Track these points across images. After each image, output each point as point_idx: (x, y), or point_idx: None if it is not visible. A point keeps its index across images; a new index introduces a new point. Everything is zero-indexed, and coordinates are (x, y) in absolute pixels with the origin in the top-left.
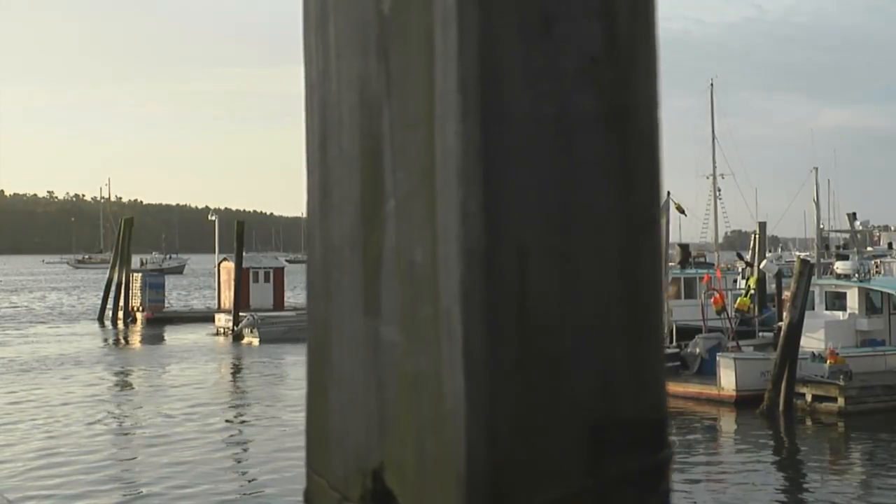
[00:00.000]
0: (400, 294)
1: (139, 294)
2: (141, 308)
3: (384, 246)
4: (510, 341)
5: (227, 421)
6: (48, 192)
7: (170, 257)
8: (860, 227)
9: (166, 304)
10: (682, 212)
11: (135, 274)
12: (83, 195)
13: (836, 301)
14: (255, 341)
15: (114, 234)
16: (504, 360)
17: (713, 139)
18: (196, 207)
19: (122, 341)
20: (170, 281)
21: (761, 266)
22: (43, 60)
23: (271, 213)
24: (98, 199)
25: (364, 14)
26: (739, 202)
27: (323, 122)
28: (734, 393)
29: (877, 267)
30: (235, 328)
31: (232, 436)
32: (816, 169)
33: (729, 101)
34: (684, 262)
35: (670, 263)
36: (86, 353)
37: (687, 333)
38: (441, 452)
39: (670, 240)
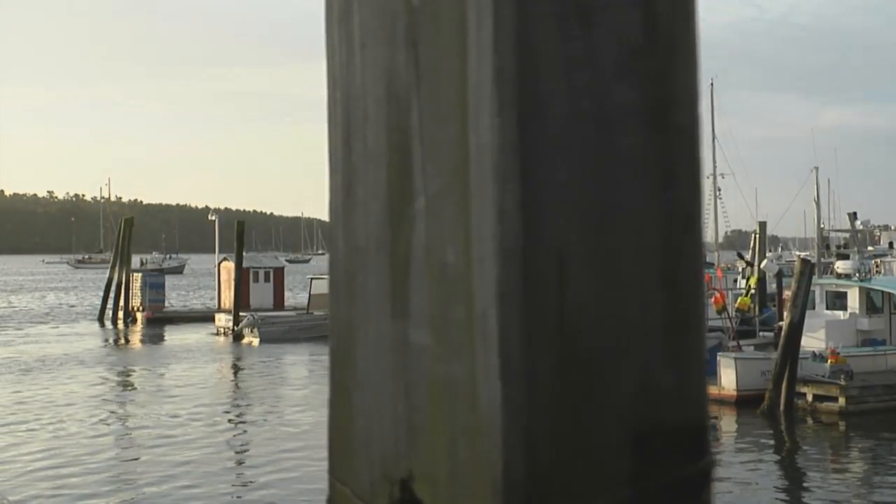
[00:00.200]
0: (430, 295)
1: (139, 294)
2: (141, 308)
3: (413, 245)
4: (549, 345)
5: (228, 421)
6: (48, 191)
7: (170, 257)
8: (861, 227)
9: (166, 304)
10: None
11: (135, 274)
12: (83, 195)
13: (837, 301)
14: (256, 341)
15: (114, 234)
16: (542, 364)
17: (713, 139)
18: (196, 207)
19: (123, 341)
20: (170, 281)
21: (762, 266)
22: (43, 60)
23: (271, 213)
24: (98, 198)
25: (391, 3)
26: (740, 202)
27: (346, 117)
28: (735, 393)
29: (877, 266)
30: (235, 328)
31: (233, 436)
32: (817, 168)
33: (729, 100)
34: None
35: None
36: (86, 352)
37: None
38: (476, 461)
39: None
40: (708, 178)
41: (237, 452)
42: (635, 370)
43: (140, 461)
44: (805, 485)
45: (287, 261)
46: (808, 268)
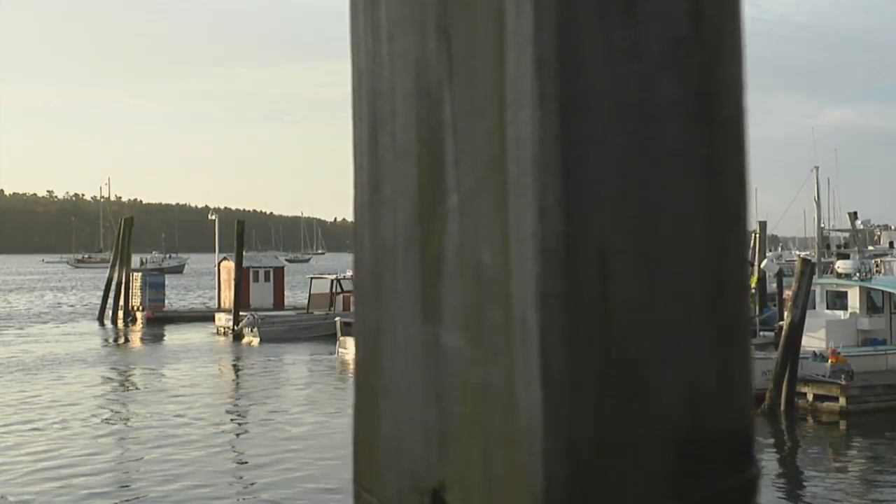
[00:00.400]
0: (464, 297)
1: (139, 293)
2: (141, 307)
3: (445, 245)
4: (591, 349)
5: (229, 421)
6: (48, 191)
7: (170, 257)
8: (861, 227)
9: (166, 304)
10: None
11: (135, 273)
12: (83, 194)
13: (837, 300)
14: (256, 341)
15: (114, 234)
16: (585, 369)
17: None
18: (196, 207)
19: (123, 341)
20: (170, 280)
21: (762, 265)
22: (43, 60)
23: (271, 213)
24: (98, 198)
25: None
26: None
27: (373, 111)
28: None
29: (877, 266)
30: (235, 328)
31: (234, 436)
32: (817, 168)
33: None
34: None
35: None
36: (86, 352)
37: None
38: (513, 471)
39: None
40: None
41: (238, 453)
42: (681, 375)
43: (141, 461)
44: (805, 484)
45: (287, 260)
46: (808, 267)
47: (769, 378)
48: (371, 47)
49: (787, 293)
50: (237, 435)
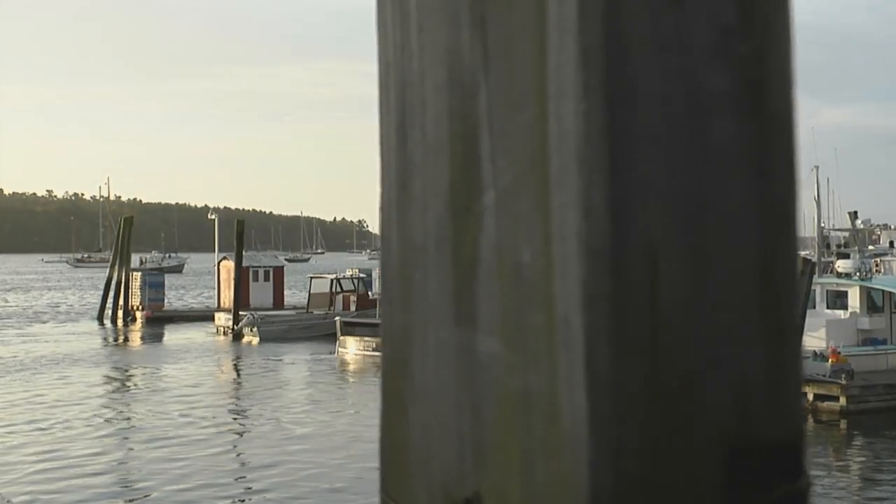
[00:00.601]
0: (501, 299)
1: (139, 293)
2: (141, 307)
3: (481, 244)
4: (639, 353)
5: (231, 421)
6: (47, 190)
7: (169, 256)
8: (861, 226)
9: (166, 303)
10: None
11: (134, 273)
12: (82, 194)
13: (838, 300)
14: (255, 340)
15: (113, 233)
16: (632, 374)
17: None
18: (195, 206)
19: (122, 340)
20: (169, 280)
21: None
22: (42, 59)
23: (271, 212)
24: (97, 197)
25: None
26: None
27: (401, 104)
28: None
29: (877, 265)
30: (235, 327)
31: (235, 436)
32: (817, 168)
33: None
34: None
35: None
36: (86, 352)
37: None
38: (556, 481)
39: None
40: None
41: (242, 453)
42: (730, 380)
43: (140, 461)
44: None
45: (286, 260)
46: (808, 267)
47: None
48: (399, 38)
49: None
50: (240, 435)
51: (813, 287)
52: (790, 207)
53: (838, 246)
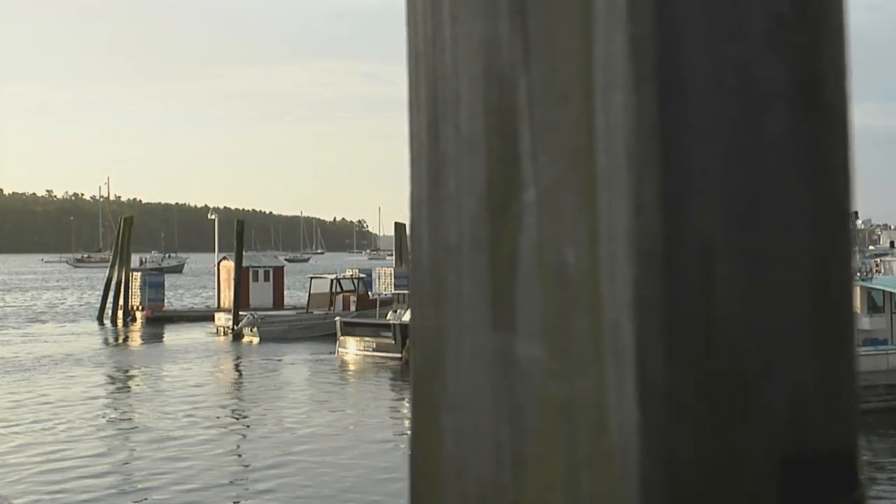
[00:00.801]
0: (543, 302)
1: (139, 293)
2: (141, 307)
3: (520, 244)
4: (693, 360)
5: (233, 421)
6: (47, 190)
7: (169, 256)
8: (861, 226)
9: (166, 303)
10: None
11: (134, 273)
12: (82, 194)
13: None
14: (255, 340)
15: (113, 233)
16: (685, 382)
17: None
18: (195, 206)
19: (122, 340)
20: (169, 280)
21: None
22: (43, 59)
23: (270, 213)
24: (97, 197)
25: None
26: None
27: (433, 98)
28: None
29: (878, 266)
30: (235, 327)
31: (236, 436)
32: None
33: None
34: None
35: None
36: (86, 352)
37: None
38: (603, 493)
39: None
40: None
41: (245, 453)
42: (785, 388)
43: (145, 461)
44: None
45: (286, 260)
46: None
47: None
48: (430, 30)
49: None
50: (244, 435)
51: None
52: (845, 205)
53: None
